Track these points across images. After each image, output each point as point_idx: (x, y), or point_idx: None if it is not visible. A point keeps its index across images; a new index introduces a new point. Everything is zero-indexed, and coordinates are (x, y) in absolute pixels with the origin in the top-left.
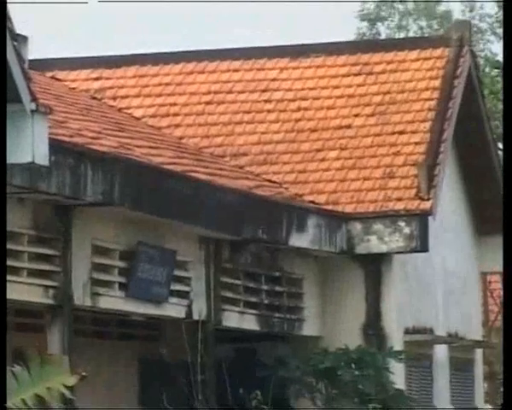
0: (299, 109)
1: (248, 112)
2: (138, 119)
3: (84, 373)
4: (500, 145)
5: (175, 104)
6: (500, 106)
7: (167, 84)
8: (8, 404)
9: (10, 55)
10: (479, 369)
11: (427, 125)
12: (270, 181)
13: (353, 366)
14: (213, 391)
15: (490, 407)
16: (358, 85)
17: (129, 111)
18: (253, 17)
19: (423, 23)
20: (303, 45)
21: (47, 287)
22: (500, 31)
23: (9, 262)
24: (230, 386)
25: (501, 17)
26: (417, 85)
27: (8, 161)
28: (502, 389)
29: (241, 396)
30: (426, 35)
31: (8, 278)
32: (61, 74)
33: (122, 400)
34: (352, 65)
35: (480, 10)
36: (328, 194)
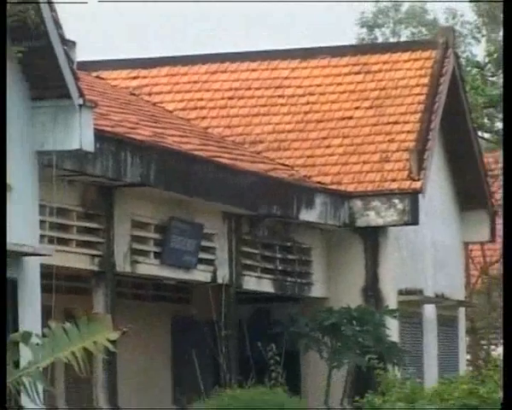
0: (307, 103)
1: (264, 105)
2: (170, 112)
3: (124, 329)
4: (480, 133)
5: (201, 99)
6: (480, 100)
7: (195, 82)
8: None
9: (60, 58)
10: (461, 325)
11: (418, 116)
12: (282, 165)
13: (354, 322)
14: (235, 345)
15: (470, 356)
16: (358, 83)
17: (162, 105)
18: (265, 21)
19: (414, 29)
20: (310, 48)
21: (93, 256)
22: (478, 35)
23: (60, 234)
24: (249, 340)
25: (479, 23)
26: (409, 82)
27: (58, 149)
28: (482, 342)
29: (258, 349)
30: (416, 39)
31: (60, 248)
32: (104, 74)
33: (157, 353)
34: (352, 65)
35: (461, 18)
36: (333, 175)
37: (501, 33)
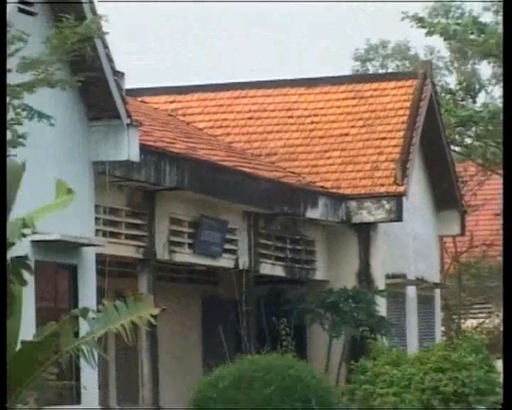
0: (312, 123)
1: (277, 124)
2: (200, 129)
3: (163, 307)
4: (452, 147)
5: (226, 119)
6: (452, 120)
7: (220, 106)
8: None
9: (112, 86)
10: (437, 303)
11: (401, 133)
12: (292, 172)
13: (350, 300)
14: (253, 319)
15: (444, 328)
16: (353, 106)
17: (194, 124)
18: (274, 53)
19: (399, 63)
20: (314, 78)
21: (138, 246)
22: (451, 67)
23: (112, 229)
24: (265, 316)
25: (452, 58)
26: (394, 106)
27: (110, 160)
28: (454, 317)
29: (272, 323)
30: (400, 71)
31: (111, 240)
32: (147, 99)
33: (190, 326)
34: (348, 92)
35: (438, 53)
36: (333, 181)
37: (469, 66)
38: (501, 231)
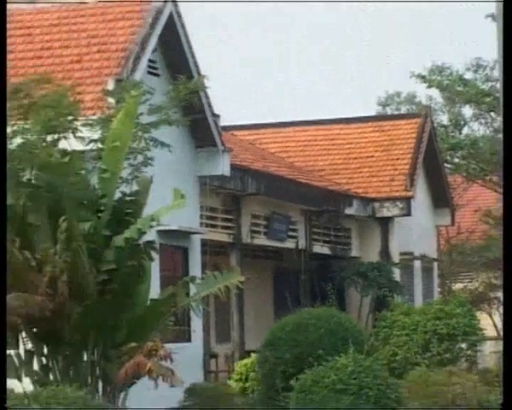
0: (348, 148)
1: (324, 149)
2: (272, 153)
3: (248, 277)
4: (445, 165)
5: (288, 147)
6: (445, 146)
7: (284, 137)
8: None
9: (211, 124)
10: (435, 272)
11: (410, 155)
12: (335, 183)
13: (375, 270)
14: (308, 284)
15: (440, 289)
16: (377, 136)
17: (267, 149)
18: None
19: (408, 106)
20: (351, 118)
21: (229, 234)
22: (444, 109)
23: (211, 222)
24: (317, 282)
25: (444, 102)
26: (405, 136)
27: (210, 174)
28: (446, 282)
29: (322, 287)
30: (409, 113)
31: (210, 229)
32: (235, 132)
33: (265, 290)
34: (374, 127)
35: (435, 100)
36: (363, 188)
37: (456, 109)
38: (479, 222)
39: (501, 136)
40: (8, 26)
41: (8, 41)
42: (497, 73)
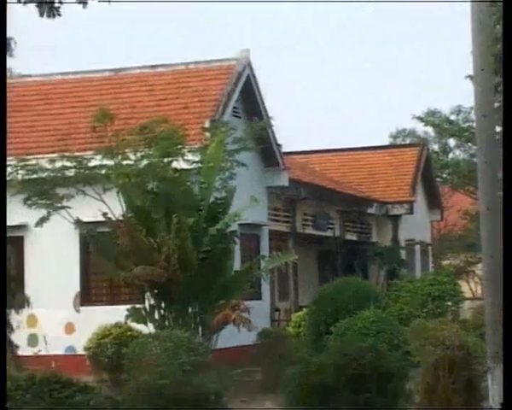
0: (369, 169)
1: (353, 168)
2: (315, 170)
3: (300, 256)
4: (437, 179)
5: (328, 167)
6: (437, 166)
7: (324, 162)
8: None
9: (275, 149)
10: (429, 253)
11: (412, 172)
12: (360, 191)
13: (388, 252)
14: (342, 262)
15: (433, 264)
16: (390, 160)
17: (314, 168)
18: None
19: (410, 139)
20: (367, 147)
21: (287, 226)
22: (436, 140)
23: (275, 218)
24: (347, 260)
25: (436, 136)
26: (409, 160)
27: (274, 185)
28: (438, 260)
29: (351, 264)
30: (411, 143)
31: (275, 223)
32: (293, 156)
33: (312, 265)
34: (388, 154)
35: (430, 134)
36: (379, 195)
37: (444, 140)
38: (460, 219)
39: (476, 159)
40: (129, 81)
41: (134, 96)
42: (473, 115)
